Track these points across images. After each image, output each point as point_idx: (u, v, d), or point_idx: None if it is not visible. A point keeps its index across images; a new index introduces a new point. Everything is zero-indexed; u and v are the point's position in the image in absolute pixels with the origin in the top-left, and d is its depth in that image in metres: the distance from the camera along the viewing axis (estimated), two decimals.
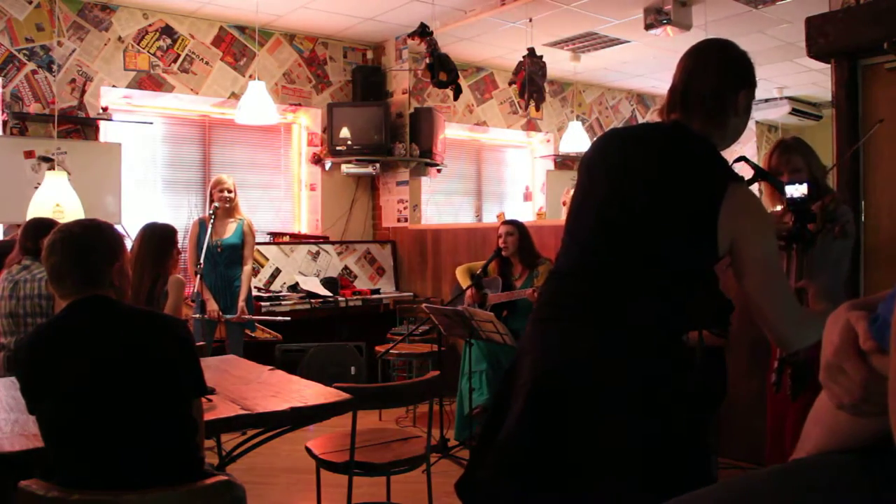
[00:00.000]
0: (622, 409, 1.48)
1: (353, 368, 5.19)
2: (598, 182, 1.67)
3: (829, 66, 3.58)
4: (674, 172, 1.59)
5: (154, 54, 5.52)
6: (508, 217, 5.26)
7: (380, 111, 6.14)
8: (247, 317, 4.67)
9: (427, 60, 5.31)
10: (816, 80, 7.44)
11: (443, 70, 5.29)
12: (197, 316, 4.48)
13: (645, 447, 1.47)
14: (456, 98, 5.63)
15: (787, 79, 7.71)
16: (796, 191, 2.11)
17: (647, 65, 7.20)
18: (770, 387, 2.21)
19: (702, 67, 1.66)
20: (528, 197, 8.06)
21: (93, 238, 1.88)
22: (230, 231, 4.71)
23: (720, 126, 1.65)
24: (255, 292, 5.38)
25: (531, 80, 5.54)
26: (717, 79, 1.64)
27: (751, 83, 1.69)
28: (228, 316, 4.59)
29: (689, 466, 1.51)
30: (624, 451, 1.47)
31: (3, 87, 4.94)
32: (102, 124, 5.26)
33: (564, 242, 1.72)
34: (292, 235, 6.19)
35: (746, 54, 1.70)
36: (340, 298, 5.69)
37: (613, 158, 1.68)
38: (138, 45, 5.46)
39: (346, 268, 6.19)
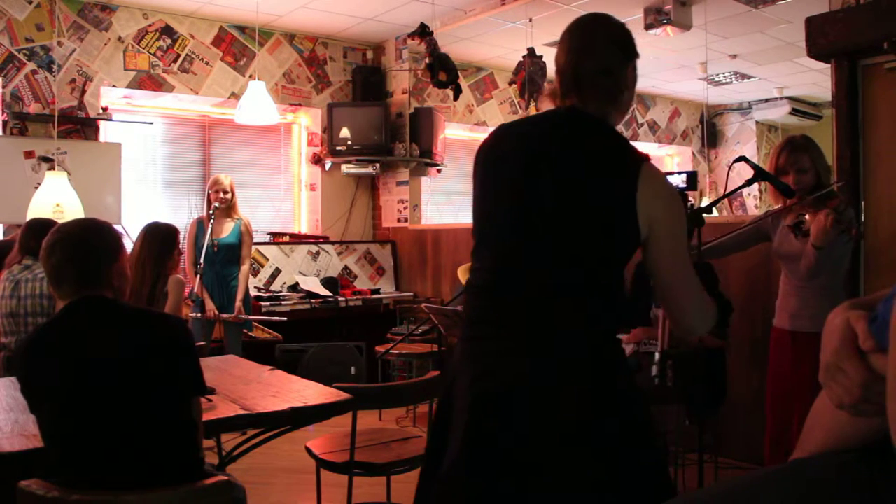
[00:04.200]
0: (561, 420, 1.44)
1: (353, 368, 5.19)
2: (502, 183, 1.59)
3: (829, 66, 3.58)
4: (583, 161, 1.52)
5: (154, 54, 5.52)
6: None
7: (380, 111, 6.14)
8: (243, 316, 4.67)
9: (427, 60, 5.31)
10: (816, 80, 7.44)
11: (443, 70, 5.28)
12: (196, 315, 4.48)
13: (591, 454, 1.43)
14: (456, 98, 5.63)
15: (787, 79, 7.71)
16: None
17: (647, 65, 7.19)
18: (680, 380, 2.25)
19: (588, 45, 1.59)
20: None
21: (92, 238, 1.88)
22: (227, 230, 4.71)
23: (615, 103, 1.60)
24: (255, 292, 5.39)
25: (531, 80, 5.54)
26: (606, 55, 1.58)
27: (635, 54, 1.64)
28: (225, 315, 4.60)
29: (641, 469, 1.48)
30: (569, 461, 1.43)
31: (3, 87, 4.94)
32: (102, 124, 5.25)
33: (477, 251, 1.63)
34: (292, 235, 6.19)
35: (625, 25, 1.64)
36: (340, 298, 5.69)
37: (515, 156, 1.59)
38: (138, 45, 5.46)
39: (346, 268, 6.19)
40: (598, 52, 1.59)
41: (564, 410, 1.44)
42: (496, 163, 1.64)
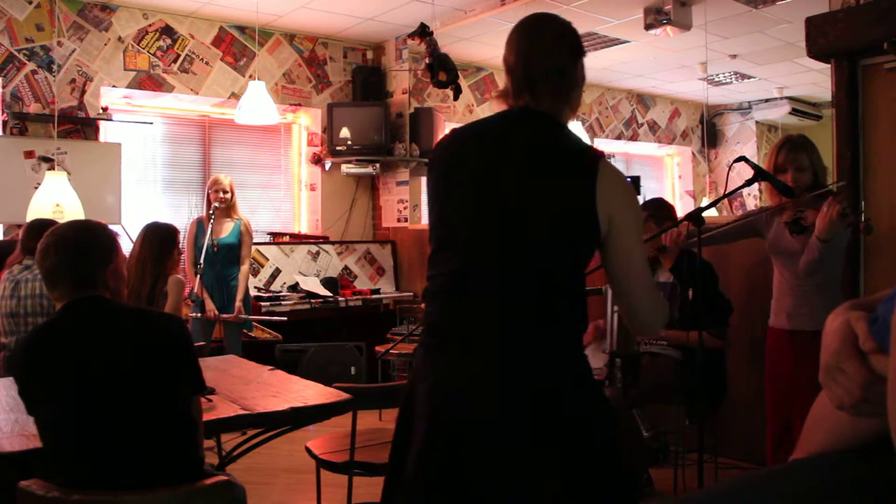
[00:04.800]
0: (524, 432, 1.42)
1: (353, 368, 5.19)
2: (460, 185, 1.57)
3: (829, 66, 3.58)
4: (541, 161, 1.52)
5: (154, 54, 5.52)
6: None
7: (380, 111, 6.14)
8: (243, 316, 4.68)
9: (427, 60, 5.30)
10: (816, 80, 7.44)
11: (443, 70, 5.28)
12: (196, 315, 4.48)
13: (574, 454, 1.43)
14: (456, 98, 5.62)
15: (787, 79, 7.71)
16: None
17: (647, 65, 7.19)
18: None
19: (538, 45, 1.60)
20: None
21: (86, 241, 1.87)
22: (227, 230, 4.71)
23: (567, 101, 1.61)
24: (255, 292, 5.39)
25: None
26: (557, 54, 1.59)
27: (583, 52, 1.65)
28: (225, 315, 4.60)
29: (607, 479, 1.47)
30: (549, 462, 1.42)
31: (3, 87, 4.94)
32: (102, 124, 5.25)
33: (435, 257, 1.61)
34: (292, 235, 6.19)
35: (571, 24, 1.65)
36: (340, 298, 5.69)
37: (473, 157, 1.57)
38: (138, 45, 5.45)
39: (346, 268, 6.19)
40: (548, 52, 1.59)
41: (506, 432, 1.43)
42: (453, 164, 1.61)
